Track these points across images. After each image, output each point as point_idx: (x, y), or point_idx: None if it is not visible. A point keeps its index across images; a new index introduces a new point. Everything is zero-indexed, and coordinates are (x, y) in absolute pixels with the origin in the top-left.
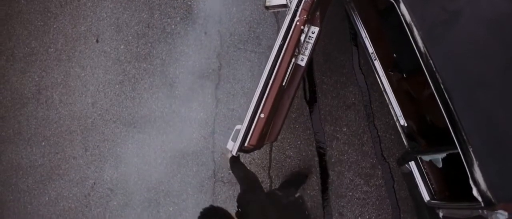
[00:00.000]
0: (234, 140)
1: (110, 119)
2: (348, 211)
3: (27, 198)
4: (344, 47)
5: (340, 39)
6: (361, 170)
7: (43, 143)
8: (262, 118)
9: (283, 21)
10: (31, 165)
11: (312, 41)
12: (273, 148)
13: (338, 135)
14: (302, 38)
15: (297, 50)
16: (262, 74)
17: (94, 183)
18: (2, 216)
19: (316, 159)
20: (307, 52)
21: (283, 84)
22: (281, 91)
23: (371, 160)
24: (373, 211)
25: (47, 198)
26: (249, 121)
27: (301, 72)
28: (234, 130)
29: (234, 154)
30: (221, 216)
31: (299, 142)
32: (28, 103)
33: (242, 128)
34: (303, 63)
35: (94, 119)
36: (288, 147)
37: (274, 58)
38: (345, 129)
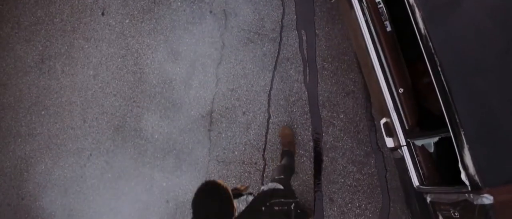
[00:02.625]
0: (390, 134)
1: (111, 92)
2: (338, 197)
3: (24, 166)
4: (347, 34)
5: (344, 26)
6: (354, 157)
7: (43, 112)
8: (402, 92)
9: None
10: (29, 133)
11: (382, 4)
12: (269, 130)
13: (334, 121)
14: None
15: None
16: (364, 55)
17: (90, 155)
18: None
19: (311, 143)
20: (386, 15)
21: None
22: (399, 58)
23: (365, 148)
24: (364, 198)
25: (43, 167)
26: (393, 106)
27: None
28: (381, 125)
29: (403, 143)
30: (221, 192)
31: (295, 126)
32: (30, 71)
33: (392, 116)
34: (391, 28)
35: (94, 91)
36: None
37: (368, 32)
38: (342, 116)
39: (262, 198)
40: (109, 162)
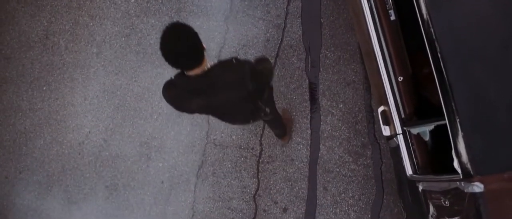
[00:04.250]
0: (387, 123)
1: (113, 70)
2: (332, 186)
3: (23, 140)
4: (352, 24)
5: (349, 16)
6: (351, 147)
7: (44, 88)
8: (401, 80)
9: None
10: (30, 108)
11: None
12: None
13: (333, 111)
14: None
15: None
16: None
17: (89, 132)
18: None
19: (309, 131)
20: (391, 4)
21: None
22: (401, 47)
23: (362, 139)
24: (357, 189)
25: (42, 142)
26: (391, 94)
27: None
28: (379, 113)
29: (400, 132)
30: (187, 30)
31: (294, 113)
32: (34, 47)
33: (390, 104)
34: (395, 17)
35: (96, 69)
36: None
37: (372, 19)
38: (341, 106)
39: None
40: (107, 140)
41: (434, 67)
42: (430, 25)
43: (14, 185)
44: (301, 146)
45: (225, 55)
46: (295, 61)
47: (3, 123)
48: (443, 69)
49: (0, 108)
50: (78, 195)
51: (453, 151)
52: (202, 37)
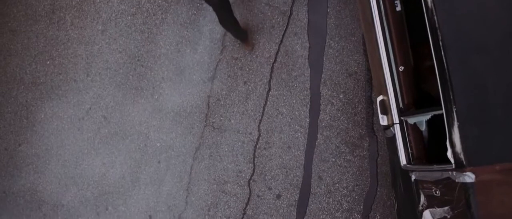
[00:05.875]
0: (385, 112)
1: (117, 48)
2: (327, 176)
3: (24, 113)
4: (358, 15)
5: (356, 6)
6: (348, 138)
7: (48, 62)
8: (402, 70)
9: None
10: (33, 81)
11: None
12: (268, 102)
13: (333, 100)
14: None
15: None
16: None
17: (90, 108)
18: None
19: (307, 119)
20: None
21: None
22: (404, 38)
23: (360, 131)
24: (352, 180)
25: (43, 116)
26: (391, 83)
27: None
28: (378, 102)
29: (397, 121)
30: None
31: (294, 101)
32: (40, 21)
33: (389, 93)
34: (400, 8)
35: (101, 46)
36: (282, 104)
37: (377, 7)
38: (341, 96)
39: None
40: (107, 117)
41: (435, 56)
42: (434, 13)
43: (12, 157)
44: (299, 134)
45: (230, 39)
46: (298, 49)
47: (6, 95)
48: (444, 57)
49: (3, 80)
50: (75, 170)
51: (447, 140)
52: (207, 20)
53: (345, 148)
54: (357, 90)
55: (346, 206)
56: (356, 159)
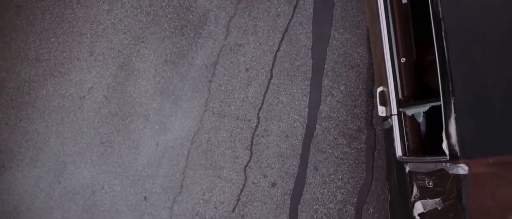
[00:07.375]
0: (384, 104)
1: (121, 29)
2: (323, 166)
3: (26, 89)
4: (363, 8)
5: None
6: (347, 130)
7: (52, 39)
8: (403, 61)
9: None
10: (37, 58)
11: None
12: (268, 90)
13: (334, 92)
14: None
15: None
16: (375, 23)
17: (92, 88)
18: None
19: (307, 109)
20: None
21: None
22: (408, 30)
23: (359, 123)
24: (347, 172)
25: (44, 92)
26: (392, 74)
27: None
28: (377, 94)
29: (395, 112)
30: None
31: (295, 90)
32: None
33: (389, 84)
34: (406, 0)
35: (106, 26)
36: (283, 93)
37: (383, 1)
38: (342, 88)
39: None
40: (108, 97)
41: (437, 46)
42: (438, 4)
43: (13, 132)
44: (298, 124)
45: (234, 25)
46: (302, 38)
47: (9, 70)
48: (445, 48)
49: (7, 56)
50: (74, 147)
51: (443, 132)
52: (213, 5)
53: (343, 139)
54: (358, 83)
55: (340, 197)
56: (353, 151)
